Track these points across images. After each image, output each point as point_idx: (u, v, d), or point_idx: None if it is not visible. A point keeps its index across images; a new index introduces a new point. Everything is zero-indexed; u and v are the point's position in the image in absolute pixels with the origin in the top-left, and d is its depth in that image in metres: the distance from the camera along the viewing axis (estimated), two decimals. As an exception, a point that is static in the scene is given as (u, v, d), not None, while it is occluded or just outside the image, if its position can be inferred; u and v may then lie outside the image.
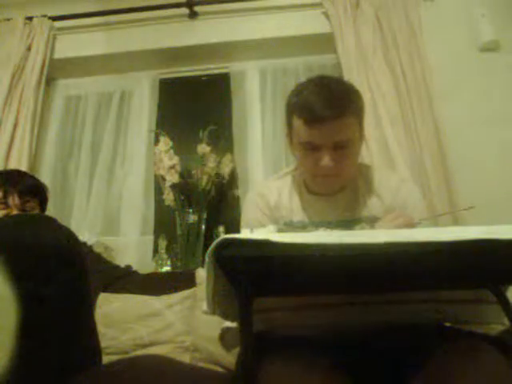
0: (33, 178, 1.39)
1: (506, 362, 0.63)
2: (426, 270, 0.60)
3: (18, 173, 1.40)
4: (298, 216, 1.02)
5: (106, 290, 1.43)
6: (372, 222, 0.96)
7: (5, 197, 1.26)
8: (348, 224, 0.98)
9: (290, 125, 0.98)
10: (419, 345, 0.74)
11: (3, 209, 1.25)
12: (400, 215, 0.88)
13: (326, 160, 0.90)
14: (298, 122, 0.93)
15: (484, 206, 1.62)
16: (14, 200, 1.26)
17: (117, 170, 2.06)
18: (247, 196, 1.13)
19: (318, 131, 0.89)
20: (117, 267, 1.57)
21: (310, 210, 1.02)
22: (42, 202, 1.36)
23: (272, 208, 1.03)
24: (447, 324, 0.82)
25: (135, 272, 1.61)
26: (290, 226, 0.98)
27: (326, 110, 0.87)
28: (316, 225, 0.98)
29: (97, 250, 1.59)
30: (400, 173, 1.60)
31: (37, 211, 1.31)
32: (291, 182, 1.07)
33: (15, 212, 1.26)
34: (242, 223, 1.07)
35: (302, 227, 0.98)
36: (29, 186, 1.31)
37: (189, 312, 1.36)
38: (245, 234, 0.62)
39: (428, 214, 1.15)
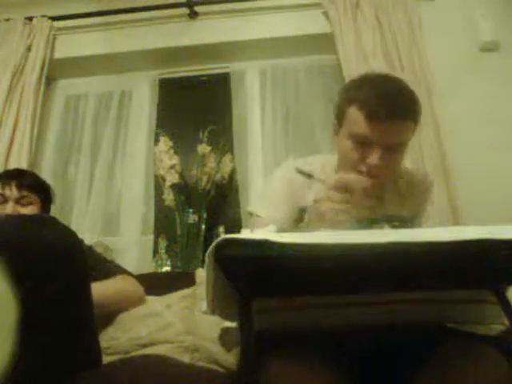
0: (35, 175, 1.38)
1: (506, 362, 0.63)
2: (426, 270, 0.60)
3: (18, 169, 1.40)
4: None
5: (105, 289, 1.43)
6: (395, 221, 0.95)
7: (2, 188, 1.25)
8: (367, 223, 0.94)
9: (342, 115, 0.94)
10: (419, 345, 0.74)
11: (1, 202, 1.25)
12: None
13: (374, 158, 0.87)
14: (356, 114, 0.89)
15: (484, 206, 1.63)
16: (11, 191, 1.25)
17: (117, 169, 2.06)
18: (277, 172, 1.08)
19: (377, 128, 0.87)
20: (117, 266, 1.57)
21: None
22: (44, 200, 1.36)
23: (297, 196, 0.99)
24: (447, 324, 0.82)
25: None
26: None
27: (390, 109, 0.85)
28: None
29: (97, 250, 1.59)
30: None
31: (35, 207, 1.30)
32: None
33: (12, 205, 1.24)
34: (262, 198, 1.10)
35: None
36: (28, 181, 1.30)
37: (189, 312, 1.36)
38: (245, 233, 0.62)
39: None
